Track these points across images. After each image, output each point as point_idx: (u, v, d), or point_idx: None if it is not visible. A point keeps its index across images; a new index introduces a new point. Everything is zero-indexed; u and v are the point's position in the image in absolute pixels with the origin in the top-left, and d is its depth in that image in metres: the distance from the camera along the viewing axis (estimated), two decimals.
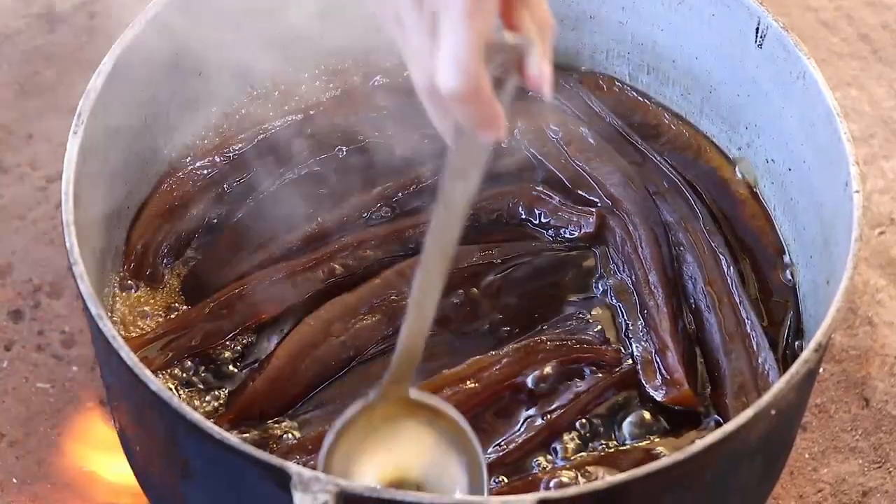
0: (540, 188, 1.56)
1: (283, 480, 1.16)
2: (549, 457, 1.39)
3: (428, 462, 1.26)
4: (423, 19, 1.10)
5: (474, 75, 1.08)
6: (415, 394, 1.26)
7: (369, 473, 1.26)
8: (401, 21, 1.12)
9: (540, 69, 1.12)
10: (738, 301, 1.47)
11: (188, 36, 1.52)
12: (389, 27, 1.14)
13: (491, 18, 1.09)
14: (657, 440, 1.40)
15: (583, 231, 1.53)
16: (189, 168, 1.55)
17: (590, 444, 1.40)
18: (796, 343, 1.46)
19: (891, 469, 1.57)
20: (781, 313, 1.48)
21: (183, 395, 1.42)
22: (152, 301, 1.49)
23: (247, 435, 1.39)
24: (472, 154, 1.14)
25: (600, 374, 1.44)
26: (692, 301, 1.49)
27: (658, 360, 1.44)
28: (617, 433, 1.41)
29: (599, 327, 1.47)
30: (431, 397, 1.27)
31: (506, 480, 1.36)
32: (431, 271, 1.20)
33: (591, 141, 1.59)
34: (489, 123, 1.12)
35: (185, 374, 1.43)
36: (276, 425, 1.41)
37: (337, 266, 1.50)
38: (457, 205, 1.17)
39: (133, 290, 1.49)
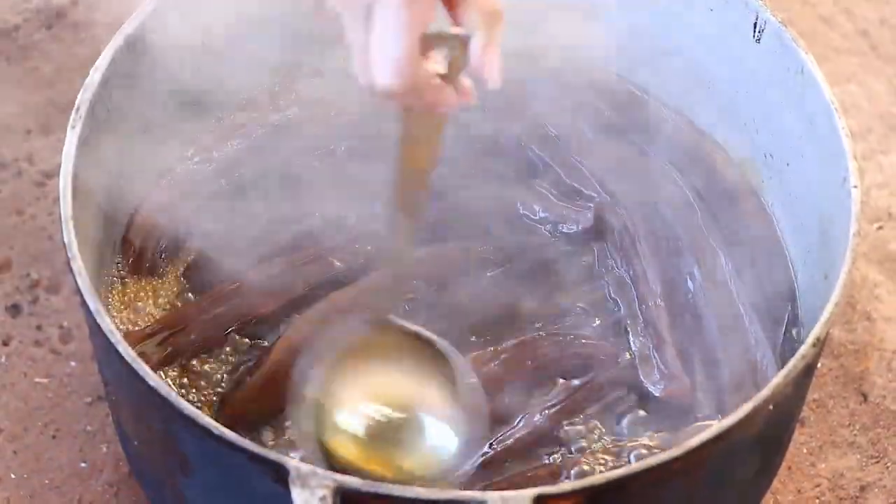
0: (538, 183, 1.56)
1: (281, 475, 1.16)
2: (547, 452, 1.39)
3: (415, 388, 1.27)
4: (359, 14, 1.08)
5: (410, 72, 1.07)
6: (395, 319, 1.26)
7: (354, 398, 1.27)
8: (338, 16, 1.10)
9: (483, 57, 1.09)
10: (735, 296, 1.47)
11: (186, 31, 1.52)
12: (339, 21, 1.12)
13: (427, 12, 1.07)
14: (655, 435, 1.40)
15: (581, 226, 1.53)
16: (188, 163, 1.55)
17: (588, 440, 1.40)
18: (794, 338, 1.46)
19: (888, 464, 1.58)
20: (779, 308, 1.48)
21: (181, 391, 1.42)
22: (150, 296, 1.49)
23: (245, 430, 1.39)
24: (427, 122, 1.14)
25: (598, 370, 1.44)
26: (690, 296, 1.49)
27: (656, 355, 1.44)
28: (615, 428, 1.41)
29: (597, 322, 1.47)
30: (409, 323, 1.27)
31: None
32: (400, 229, 1.21)
33: (590, 136, 1.59)
34: (436, 106, 1.10)
35: (182, 369, 1.44)
36: (275, 420, 1.41)
37: (336, 261, 1.50)
38: (417, 169, 1.17)
39: (131, 286, 1.49)
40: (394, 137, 1.16)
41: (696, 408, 1.42)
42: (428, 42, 1.09)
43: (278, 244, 1.51)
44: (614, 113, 1.61)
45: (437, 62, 1.11)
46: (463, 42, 1.10)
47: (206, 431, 1.20)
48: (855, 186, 1.36)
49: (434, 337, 1.28)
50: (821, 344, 1.28)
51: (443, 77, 1.11)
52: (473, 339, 1.45)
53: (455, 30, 1.10)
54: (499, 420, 1.40)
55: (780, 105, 1.51)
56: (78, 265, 1.29)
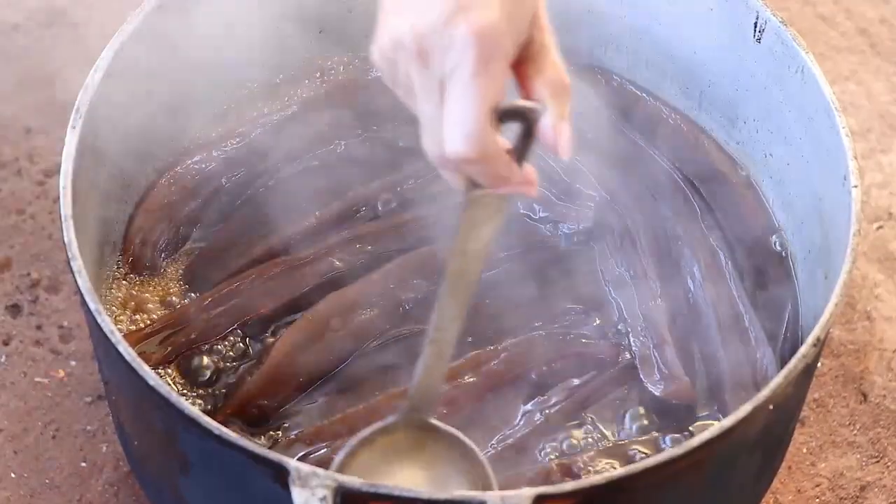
0: (538, 183, 1.56)
1: (281, 475, 1.16)
2: (547, 452, 1.39)
3: (441, 483, 1.26)
4: (431, 84, 1.10)
5: (482, 140, 1.09)
6: (435, 421, 1.26)
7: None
8: (410, 88, 1.12)
9: (555, 131, 1.12)
10: (736, 295, 1.47)
11: (186, 30, 1.52)
12: (399, 93, 1.14)
13: (499, 82, 1.09)
14: (655, 435, 1.40)
15: (581, 225, 1.53)
16: (187, 162, 1.55)
17: (588, 440, 1.40)
18: (795, 338, 1.45)
19: (888, 463, 1.58)
20: (780, 308, 1.48)
21: (181, 390, 1.42)
22: (150, 296, 1.49)
23: (245, 430, 1.39)
24: (490, 204, 1.16)
25: (598, 369, 1.44)
26: (690, 296, 1.48)
27: (656, 354, 1.44)
28: (615, 428, 1.41)
29: (597, 322, 1.47)
30: (447, 427, 1.27)
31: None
32: (448, 312, 1.21)
33: (590, 135, 1.59)
34: (504, 182, 1.12)
35: (183, 369, 1.43)
36: (275, 420, 1.41)
37: (336, 260, 1.50)
38: (474, 251, 1.18)
39: (131, 285, 1.49)
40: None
41: (697, 407, 1.42)
42: (500, 115, 1.11)
43: (278, 243, 1.51)
44: (614, 112, 1.61)
45: (507, 136, 1.13)
46: (535, 115, 1.12)
47: (206, 431, 1.20)
48: (855, 186, 1.36)
49: (458, 434, 1.28)
50: (821, 344, 1.28)
51: (511, 153, 1.13)
52: (472, 338, 1.45)
53: (526, 103, 1.12)
54: (500, 419, 1.40)
55: (781, 104, 1.51)
56: (78, 265, 1.29)
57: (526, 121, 1.13)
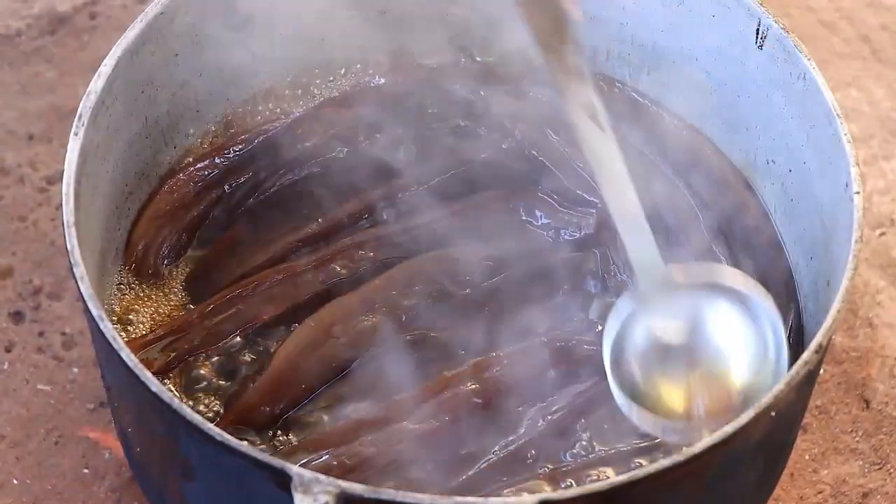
0: (540, 190, 1.56)
1: (283, 482, 1.16)
2: (550, 458, 1.39)
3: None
4: None
5: None
6: (678, 275, 1.31)
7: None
8: None
9: None
10: None
11: (188, 37, 1.52)
12: None
13: None
14: (657, 441, 1.40)
15: (583, 232, 1.53)
16: (190, 169, 1.56)
17: (590, 446, 1.40)
18: (797, 344, 1.45)
19: (891, 470, 1.58)
20: (782, 314, 1.47)
21: (183, 397, 1.42)
22: (153, 302, 1.49)
23: (247, 437, 1.39)
24: None
25: (601, 375, 1.43)
26: None
27: None
28: (618, 434, 1.41)
29: (600, 328, 1.47)
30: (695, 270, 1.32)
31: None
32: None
33: None
34: None
35: (185, 375, 1.43)
36: (277, 427, 1.41)
37: (337, 267, 1.50)
38: None
39: (134, 291, 1.49)
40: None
41: None
42: None
43: (280, 250, 1.51)
44: (617, 119, 1.61)
45: None
46: None
47: (208, 437, 1.20)
48: (857, 192, 1.36)
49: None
50: (823, 350, 1.28)
51: None
52: (475, 344, 1.45)
53: None
54: (502, 425, 1.40)
55: (782, 110, 1.51)
56: (80, 271, 1.29)
57: None
